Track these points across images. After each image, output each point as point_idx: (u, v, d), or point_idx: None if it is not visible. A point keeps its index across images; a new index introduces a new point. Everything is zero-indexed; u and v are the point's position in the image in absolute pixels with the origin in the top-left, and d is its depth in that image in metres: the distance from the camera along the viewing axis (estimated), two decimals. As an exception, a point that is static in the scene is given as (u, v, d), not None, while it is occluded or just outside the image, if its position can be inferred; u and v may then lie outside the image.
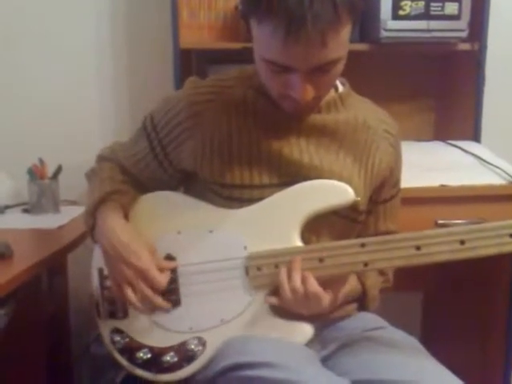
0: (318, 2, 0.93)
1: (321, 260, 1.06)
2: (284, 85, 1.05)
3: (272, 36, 0.97)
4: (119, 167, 1.27)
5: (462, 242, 1.00)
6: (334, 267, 1.05)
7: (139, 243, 1.13)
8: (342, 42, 1.00)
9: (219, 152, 1.14)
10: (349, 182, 1.12)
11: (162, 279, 1.12)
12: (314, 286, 1.05)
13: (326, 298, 1.07)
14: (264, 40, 1.00)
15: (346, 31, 1.00)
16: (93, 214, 1.18)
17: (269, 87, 1.10)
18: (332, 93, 1.18)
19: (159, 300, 1.12)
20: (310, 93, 1.04)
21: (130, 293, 1.12)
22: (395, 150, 1.23)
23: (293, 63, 1.00)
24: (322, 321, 1.17)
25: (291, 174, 1.13)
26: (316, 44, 0.96)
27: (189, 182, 1.23)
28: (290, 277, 1.06)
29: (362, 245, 1.05)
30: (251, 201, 1.13)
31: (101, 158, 1.33)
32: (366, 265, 1.05)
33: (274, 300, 1.09)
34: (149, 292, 1.11)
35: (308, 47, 0.96)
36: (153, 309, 1.15)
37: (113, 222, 1.15)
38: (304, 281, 1.05)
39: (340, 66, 1.06)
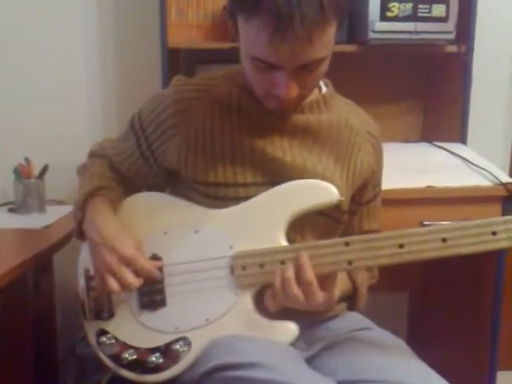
0: (305, 1, 0.94)
1: (306, 259, 1.06)
2: (269, 83, 1.05)
3: (259, 33, 0.98)
4: (108, 164, 1.28)
5: (444, 240, 1.01)
6: (319, 266, 1.05)
7: (127, 235, 1.13)
8: (327, 42, 1.01)
9: (203, 150, 1.15)
10: (331, 182, 1.12)
11: (151, 267, 1.11)
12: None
13: (321, 293, 1.05)
14: (251, 37, 1.01)
15: (331, 31, 1.01)
16: (82, 207, 1.18)
17: (253, 85, 1.10)
18: (316, 94, 1.19)
19: (141, 282, 1.11)
20: (294, 91, 1.05)
21: (111, 281, 1.10)
22: (376, 152, 1.25)
23: (279, 61, 1.00)
24: (316, 318, 1.18)
25: (275, 173, 1.14)
26: (303, 42, 0.97)
27: (175, 182, 1.23)
28: (299, 272, 1.04)
29: (346, 243, 1.05)
30: (237, 200, 1.13)
31: (91, 154, 1.34)
32: (350, 263, 1.05)
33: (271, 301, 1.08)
34: (131, 278, 1.09)
35: (294, 45, 0.97)
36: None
37: (101, 214, 1.16)
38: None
39: (324, 66, 1.06)
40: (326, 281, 1.06)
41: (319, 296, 1.04)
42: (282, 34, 0.95)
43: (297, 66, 1.01)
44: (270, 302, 1.07)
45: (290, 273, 1.04)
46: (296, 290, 1.04)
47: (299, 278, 1.04)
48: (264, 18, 0.96)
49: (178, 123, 1.16)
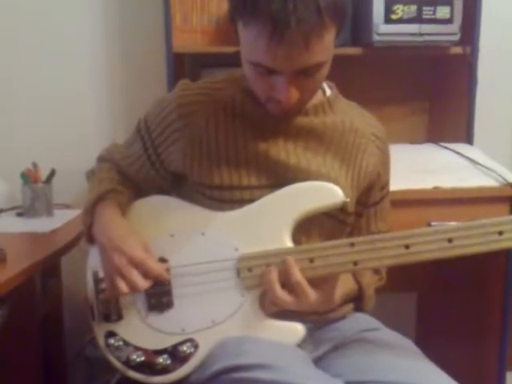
0: (302, 6, 0.94)
1: (311, 260, 1.06)
2: (269, 87, 1.06)
3: (257, 39, 0.99)
4: (116, 168, 1.29)
5: (450, 240, 1.00)
6: (325, 267, 1.05)
7: (135, 238, 1.13)
8: (326, 46, 1.01)
9: (207, 153, 1.15)
10: (336, 183, 1.12)
11: (160, 268, 1.11)
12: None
13: (312, 293, 1.05)
14: (249, 42, 1.01)
15: (330, 35, 1.01)
16: (91, 211, 1.19)
17: (255, 89, 1.11)
18: (320, 96, 1.19)
19: (149, 284, 1.10)
20: (293, 96, 1.05)
21: (120, 283, 1.10)
22: (382, 153, 1.24)
23: (277, 66, 1.01)
24: (318, 320, 1.17)
25: (279, 176, 1.14)
26: (299, 47, 0.97)
27: (181, 186, 1.24)
28: (286, 276, 1.05)
29: (351, 244, 1.05)
30: (242, 202, 1.13)
31: (100, 159, 1.36)
32: (355, 264, 1.05)
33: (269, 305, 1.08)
34: (139, 280, 1.09)
35: (291, 50, 0.98)
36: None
37: (111, 217, 1.17)
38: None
39: (325, 70, 1.07)
40: (324, 280, 1.06)
41: (310, 295, 1.05)
42: (279, 39, 0.96)
43: (295, 70, 1.01)
44: (265, 305, 1.08)
45: (273, 276, 1.05)
46: (280, 293, 1.05)
47: (287, 280, 1.05)
48: (261, 23, 0.97)
49: (182, 127, 1.16)
